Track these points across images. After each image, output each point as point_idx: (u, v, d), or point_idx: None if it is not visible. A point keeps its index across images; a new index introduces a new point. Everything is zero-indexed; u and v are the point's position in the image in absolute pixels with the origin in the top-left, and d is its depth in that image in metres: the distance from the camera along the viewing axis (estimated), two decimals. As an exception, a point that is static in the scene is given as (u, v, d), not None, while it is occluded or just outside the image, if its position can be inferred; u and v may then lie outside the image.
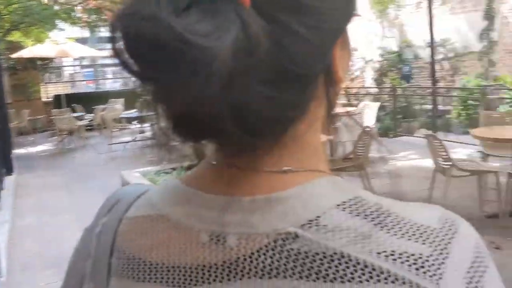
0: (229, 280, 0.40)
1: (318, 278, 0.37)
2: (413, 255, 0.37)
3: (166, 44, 0.33)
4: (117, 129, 10.39)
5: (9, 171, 7.42)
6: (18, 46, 13.16)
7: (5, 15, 9.96)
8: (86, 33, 16.09)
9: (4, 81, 13.81)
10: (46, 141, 12.38)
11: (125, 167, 8.20)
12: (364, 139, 5.09)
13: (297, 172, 0.42)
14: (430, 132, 8.01)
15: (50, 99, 14.99)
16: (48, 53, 12.20)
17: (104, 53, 17.64)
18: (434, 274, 0.36)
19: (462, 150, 7.00)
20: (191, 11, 0.34)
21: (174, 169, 6.48)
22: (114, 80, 18.13)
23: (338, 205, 0.40)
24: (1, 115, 7.26)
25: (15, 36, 11.98)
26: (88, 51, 14.16)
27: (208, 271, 0.41)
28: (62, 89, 16.31)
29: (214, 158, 0.45)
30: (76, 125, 11.11)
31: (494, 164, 5.22)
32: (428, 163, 5.00)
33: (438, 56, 11.43)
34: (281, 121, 0.40)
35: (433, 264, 0.37)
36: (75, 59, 17.36)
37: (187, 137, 0.42)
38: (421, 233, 0.38)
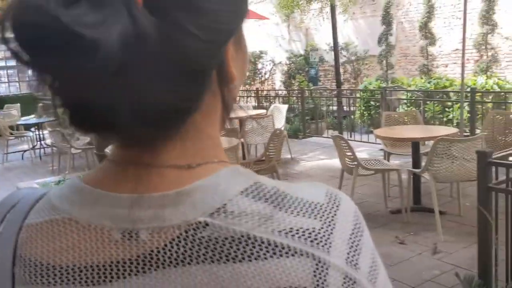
0: (144, 272, 0.42)
1: (228, 260, 0.41)
2: (307, 229, 0.42)
3: (53, 34, 0.34)
4: (13, 137, 9.55)
5: None
6: None
7: None
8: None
9: None
10: None
11: (23, 178, 7.58)
12: (275, 141, 5.12)
13: (202, 165, 0.45)
14: (336, 132, 8.34)
15: None
16: None
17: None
18: (325, 244, 0.42)
19: (366, 149, 7.34)
20: (81, 3, 0.35)
21: (77, 178, 6.07)
22: (9, 84, 16.76)
23: (242, 192, 0.43)
24: None
25: None
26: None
27: (123, 266, 0.43)
28: None
29: (117, 156, 0.46)
30: (-36, 133, 10.06)
31: (395, 161, 5.51)
32: (336, 162, 5.14)
33: (342, 59, 11.96)
34: (176, 112, 0.42)
35: (323, 236, 0.42)
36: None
37: (82, 128, 0.43)
38: (312, 210, 0.43)
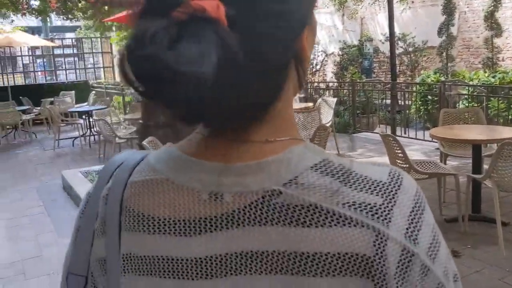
0: (227, 228, 0.49)
1: (298, 224, 0.47)
2: (369, 204, 0.47)
3: (163, 75, 0.41)
4: (64, 124, 9.74)
5: None
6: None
7: None
8: (38, 22, 15.26)
9: None
10: (-10, 136, 11.59)
11: (71, 165, 7.69)
12: (319, 137, 4.80)
13: (278, 141, 0.51)
14: (389, 128, 7.84)
15: (-4, 91, 14.10)
16: (-9, 42, 11.36)
17: (56, 43, 16.81)
18: (385, 218, 0.47)
19: (421, 148, 6.85)
20: (181, 41, 0.41)
21: (119, 169, 6.03)
22: (67, 71, 17.28)
23: (311, 167, 0.49)
24: None
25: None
26: (37, 41, 13.35)
27: (210, 222, 0.50)
28: (16, 80, 15.43)
29: (206, 131, 0.53)
30: (20, 119, 10.39)
31: (453, 163, 5.04)
32: (387, 161, 4.75)
33: (398, 51, 11.33)
34: (263, 104, 0.50)
35: (384, 211, 0.47)
36: (29, 49, 16.43)
37: (185, 121, 0.50)
38: (375, 187, 0.48)
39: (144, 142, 4.41)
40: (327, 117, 7.08)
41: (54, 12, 10.58)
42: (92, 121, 9.34)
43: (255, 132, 0.51)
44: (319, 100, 7.68)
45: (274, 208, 0.48)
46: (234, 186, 0.49)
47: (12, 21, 11.70)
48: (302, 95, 9.90)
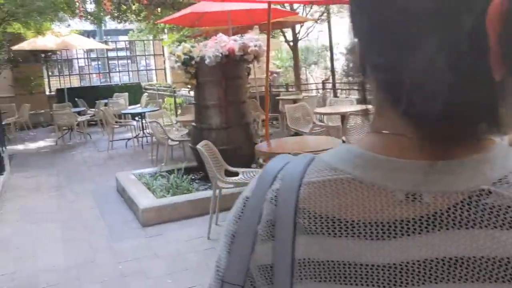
0: (427, 231, 0.45)
1: (510, 227, 0.43)
2: None
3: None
4: (117, 125, 9.85)
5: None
6: (19, 38, 12.72)
7: (1, 4, 9.45)
8: (93, 26, 15.66)
9: (7, 74, 13.47)
10: (48, 136, 11.95)
11: (124, 167, 7.73)
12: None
13: (480, 140, 0.47)
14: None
15: (54, 93, 14.58)
16: (49, 45, 11.71)
17: (110, 46, 17.22)
18: None
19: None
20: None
21: (170, 172, 5.94)
22: (120, 73, 17.66)
23: None
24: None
25: (14, 28, 11.50)
26: (92, 44, 13.67)
27: (407, 224, 0.46)
28: (72, 82, 15.94)
29: (394, 128, 0.49)
30: (76, 120, 10.63)
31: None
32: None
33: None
34: (495, 104, 0.45)
35: None
36: (85, 52, 16.94)
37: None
38: None
39: (199, 146, 4.27)
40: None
41: (108, 16, 10.74)
42: (145, 123, 9.40)
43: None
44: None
45: (484, 209, 0.44)
46: (434, 185, 0.46)
47: (69, 25, 12.02)
48: (359, 97, 9.56)
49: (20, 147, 10.76)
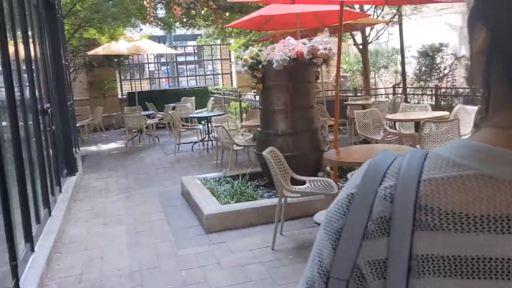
0: None
1: None
2: None
3: None
4: (184, 129, 9.96)
5: (72, 172, 7.19)
6: (94, 43, 13.29)
7: (78, 11, 9.89)
8: (163, 31, 16.09)
9: (82, 78, 14.14)
10: (119, 138, 12.36)
11: (190, 171, 7.77)
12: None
13: None
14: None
15: (125, 96, 15.11)
16: (121, 50, 12.12)
17: (179, 51, 17.61)
18: None
19: None
20: None
21: (235, 177, 5.85)
22: (188, 78, 18.01)
23: None
24: (63, 113, 7.02)
25: (90, 33, 12.03)
26: (161, 49, 14.01)
27: None
28: (142, 86, 16.48)
29: None
30: (145, 123, 10.89)
31: None
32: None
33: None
34: None
35: None
36: (155, 57, 17.45)
37: None
38: None
39: (264, 153, 4.12)
40: (466, 128, 6.25)
41: (178, 22, 10.93)
42: (210, 127, 9.43)
43: None
44: (457, 107, 6.83)
45: None
46: None
47: (141, 29, 12.38)
48: (431, 103, 9.04)
49: (93, 148, 11.19)
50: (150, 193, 6.55)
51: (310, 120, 5.60)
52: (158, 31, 14.73)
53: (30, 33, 5.34)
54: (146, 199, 6.25)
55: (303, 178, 4.55)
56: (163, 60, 18.18)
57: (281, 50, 5.33)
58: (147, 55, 16.43)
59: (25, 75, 4.88)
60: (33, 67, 5.27)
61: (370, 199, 0.54)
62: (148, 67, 17.89)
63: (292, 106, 5.48)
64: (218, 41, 15.84)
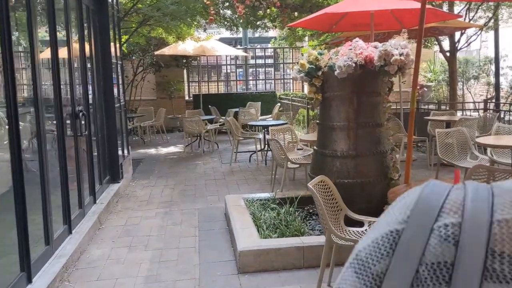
0: None
1: None
2: None
3: None
4: (241, 137, 9.22)
5: (115, 179, 6.68)
6: (163, 43, 12.99)
7: (139, 8, 9.51)
8: (232, 33, 15.56)
9: (150, 77, 13.92)
10: (179, 142, 11.92)
11: (241, 185, 7.01)
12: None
13: None
14: None
15: (191, 99, 14.74)
16: (187, 51, 11.66)
17: (250, 53, 17.00)
18: None
19: None
20: None
21: (284, 201, 4.96)
22: (256, 82, 17.36)
23: None
24: (109, 115, 6.51)
25: (158, 32, 11.69)
26: (229, 50, 13.42)
27: None
28: (213, 88, 16.10)
29: None
30: (204, 128, 10.29)
31: None
32: None
33: None
34: None
35: None
36: (231, 59, 17.02)
37: None
38: None
39: (310, 185, 3.20)
40: None
41: (242, 21, 10.24)
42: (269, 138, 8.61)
43: None
44: None
45: None
46: None
47: (205, 29, 11.87)
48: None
49: (152, 151, 10.81)
50: (192, 210, 5.84)
51: (377, 140, 4.57)
52: (227, 33, 14.21)
53: (64, 32, 4.83)
54: (185, 218, 5.54)
55: (361, 218, 3.58)
56: (238, 62, 17.69)
57: (346, 54, 4.37)
58: (222, 57, 16.00)
59: (52, 76, 4.35)
60: (66, 68, 4.75)
61: (424, 239, 0.44)
62: (222, 69, 17.48)
63: (356, 123, 4.49)
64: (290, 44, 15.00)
